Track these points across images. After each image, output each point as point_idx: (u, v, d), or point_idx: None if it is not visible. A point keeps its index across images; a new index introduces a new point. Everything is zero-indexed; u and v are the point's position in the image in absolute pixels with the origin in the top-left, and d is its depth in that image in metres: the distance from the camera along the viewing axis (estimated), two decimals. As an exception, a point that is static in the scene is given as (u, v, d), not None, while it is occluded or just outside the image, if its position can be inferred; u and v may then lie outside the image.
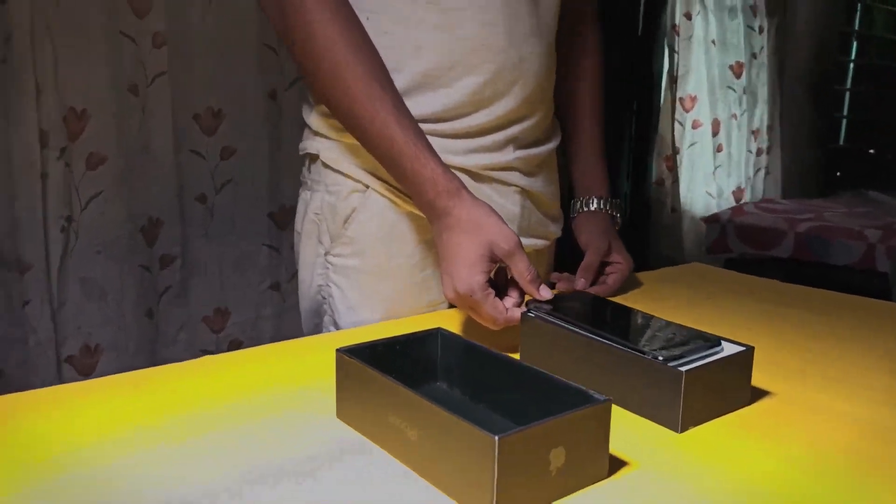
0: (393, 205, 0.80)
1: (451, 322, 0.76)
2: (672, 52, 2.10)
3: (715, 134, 2.57)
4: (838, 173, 3.23)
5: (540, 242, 0.90)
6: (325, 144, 0.81)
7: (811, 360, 0.69)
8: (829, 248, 1.85)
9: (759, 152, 2.81)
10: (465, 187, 0.69)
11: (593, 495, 0.44)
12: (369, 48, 0.72)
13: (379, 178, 0.79)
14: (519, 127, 0.81)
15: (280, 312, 1.68)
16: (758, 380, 0.61)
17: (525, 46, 0.78)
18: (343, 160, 0.80)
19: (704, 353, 0.55)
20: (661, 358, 0.54)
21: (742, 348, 0.57)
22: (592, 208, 0.92)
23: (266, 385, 0.60)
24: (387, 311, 0.80)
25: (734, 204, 2.58)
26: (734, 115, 2.67)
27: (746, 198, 2.69)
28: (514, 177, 0.83)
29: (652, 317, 0.64)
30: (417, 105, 0.75)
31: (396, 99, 0.71)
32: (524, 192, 0.85)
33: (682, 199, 2.21)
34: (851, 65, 3.31)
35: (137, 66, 1.39)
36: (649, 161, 2.20)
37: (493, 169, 0.81)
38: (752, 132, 2.79)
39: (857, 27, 3.27)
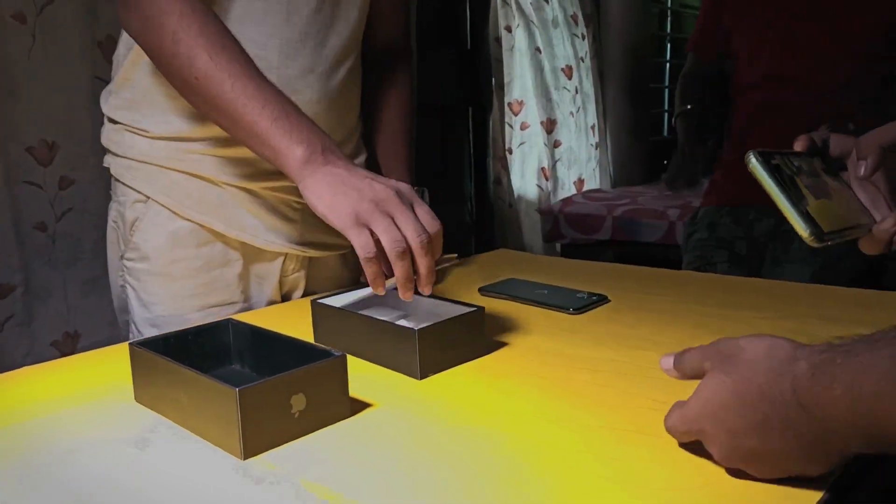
0: (173, 214, 0.88)
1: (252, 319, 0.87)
2: (497, 62, 2.32)
3: (550, 132, 2.83)
4: (665, 161, 3.62)
5: (326, 252, 0.98)
6: (112, 159, 0.90)
7: (549, 317, 0.86)
8: (639, 228, 2.11)
9: (597, 146, 3.12)
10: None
11: (335, 431, 0.56)
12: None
13: (159, 191, 0.87)
14: None
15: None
16: (498, 334, 0.76)
17: (300, 82, 0.87)
18: (126, 174, 0.89)
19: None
20: (402, 323, 0.67)
21: (473, 309, 0.72)
22: None
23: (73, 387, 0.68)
24: (176, 308, 0.88)
25: (576, 193, 2.85)
26: (571, 113, 2.95)
27: (586, 187, 2.97)
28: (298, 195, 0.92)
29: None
30: (201, 130, 0.85)
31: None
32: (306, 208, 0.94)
33: (516, 195, 2.45)
34: (668, 64, 3.71)
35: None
36: (487, 163, 2.42)
37: (275, 191, 0.90)
38: (591, 127, 3.09)
39: (668, 31, 3.68)
